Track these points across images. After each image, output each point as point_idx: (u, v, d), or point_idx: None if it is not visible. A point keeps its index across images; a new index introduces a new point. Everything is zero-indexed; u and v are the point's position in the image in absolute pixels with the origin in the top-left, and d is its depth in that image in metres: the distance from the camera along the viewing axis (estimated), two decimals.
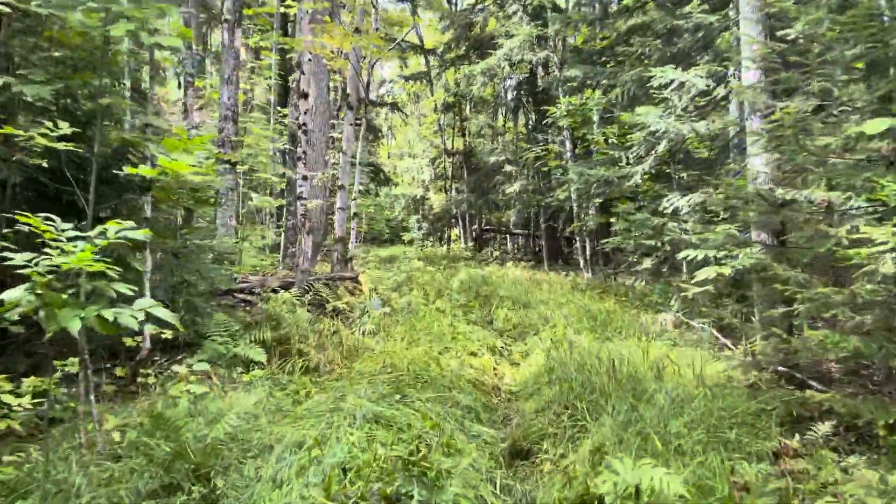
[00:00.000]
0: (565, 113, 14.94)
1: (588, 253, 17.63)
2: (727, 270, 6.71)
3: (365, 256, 18.30)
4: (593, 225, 17.08)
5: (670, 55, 7.87)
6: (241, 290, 9.19)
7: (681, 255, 7.16)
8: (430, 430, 4.41)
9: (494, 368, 7.43)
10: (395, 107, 25.43)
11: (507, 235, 31.92)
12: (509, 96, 22.86)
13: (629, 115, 7.72)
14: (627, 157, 8.82)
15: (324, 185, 12.92)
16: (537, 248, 27.38)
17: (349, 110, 10.27)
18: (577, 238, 18.10)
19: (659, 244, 7.73)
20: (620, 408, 4.68)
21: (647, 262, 8.64)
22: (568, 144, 17.46)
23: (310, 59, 10.23)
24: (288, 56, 16.62)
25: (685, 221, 8.11)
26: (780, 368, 5.75)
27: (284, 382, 5.95)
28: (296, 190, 9.15)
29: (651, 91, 7.80)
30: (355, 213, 10.71)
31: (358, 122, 10.89)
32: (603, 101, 14.23)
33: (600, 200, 14.27)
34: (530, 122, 22.10)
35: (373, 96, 26.27)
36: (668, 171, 9.44)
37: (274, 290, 9.32)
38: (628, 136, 8.32)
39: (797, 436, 4.20)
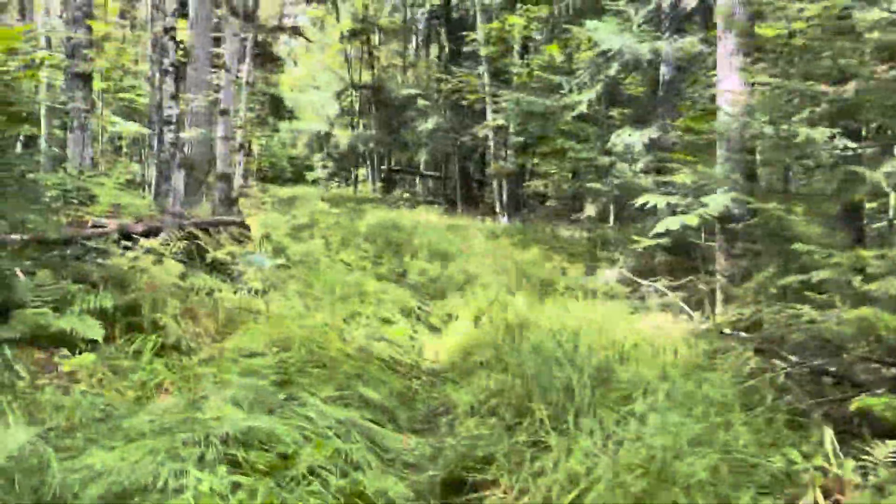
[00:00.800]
0: (484, 41, 13.33)
1: (505, 197, 16.37)
2: (694, 220, 5.50)
3: (261, 197, 16.29)
4: (512, 167, 15.80)
5: None
6: (91, 236, 7.24)
7: (639, 200, 5.90)
8: (327, 459, 2.94)
9: (412, 338, 6.00)
10: (296, 31, 22.86)
11: (418, 177, 30.27)
12: (421, 25, 20.85)
13: (578, 29, 6.28)
14: (570, 84, 7.44)
15: (208, 111, 10.84)
16: (448, 192, 25.99)
17: (233, 17, 8.27)
18: (494, 181, 16.78)
19: (606, 187, 6.45)
20: (592, 416, 3.36)
21: (591, 209, 7.37)
22: (487, 77, 15.89)
23: None
24: None
25: (636, 161, 6.84)
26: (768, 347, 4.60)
27: (126, 369, 4.28)
28: (163, 113, 7.18)
29: (602, 4, 6.43)
30: (241, 145, 8.81)
31: (244, 33, 8.88)
32: (529, 26, 12.75)
33: (522, 139, 12.94)
34: (444, 55, 20.29)
35: (273, 21, 23.54)
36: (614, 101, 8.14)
37: (133, 237, 7.43)
38: (574, 59, 6.92)
39: (843, 457, 3.00)
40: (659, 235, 5.70)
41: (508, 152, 16.01)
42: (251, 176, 24.56)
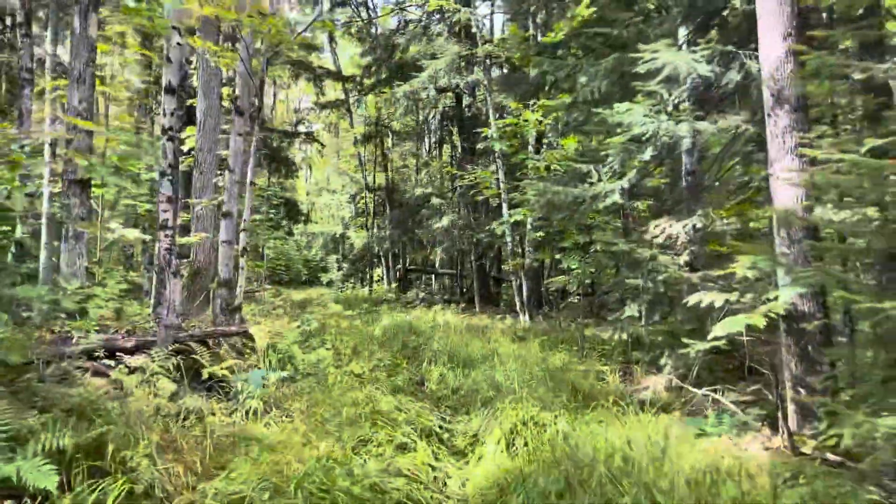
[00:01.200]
0: (498, 136, 12.96)
1: (525, 295, 15.56)
2: (760, 321, 4.64)
3: (272, 301, 15.61)
4: (531, 263, 15.10)
5: (655, 37, 5.99)
6: (71, 355, 6.48)
7: (692, 298, 5.07)
8: None
9: (433, 467, 5.04)
10: (309, 136, 22.97)
11: (433, 276, 29.69)
12: (434, 126, 20.86)
13: (608, 112, 5.68)
14: (598, 172, 6.80)
15: (214, 215, 10.34)
16: (465, 289, 25.27)
17: (238, 116, 7.84)
18: (514, 278, 16.03)
19: (649, 284, 5.64)
20: None
21: (633, 308, 6.53)
22: (501, 174, 15.49)
23: (195, 68, 7.84)
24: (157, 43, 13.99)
25: (677, 254, 6.07)
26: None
27: None
28: (158, 217, 6.59)
29: (632, 85, 5.87)
30: (245, 249, 8.17)
31: (249, 132, 8.44)
32: (545, 120, 12.39)
33: (541, 234, 12.29)
34: (458, 154, 20.13)
35: (286, 127, 23.75)
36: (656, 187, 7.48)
37: (123, 353, 6.66)
38: (602, 146, 6.30)
39: None
40: (717, 338, 4.83)
41: (527, 248, 15.35)
42: (262, 280, 24.06)
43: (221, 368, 6.79)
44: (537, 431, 5.11)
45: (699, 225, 5.67)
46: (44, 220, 9.34)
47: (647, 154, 5.68)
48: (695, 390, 5.89)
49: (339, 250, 31.85)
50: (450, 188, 20.51)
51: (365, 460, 4.70)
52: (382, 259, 29.06)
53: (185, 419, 5.48)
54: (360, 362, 7.93)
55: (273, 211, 17.57)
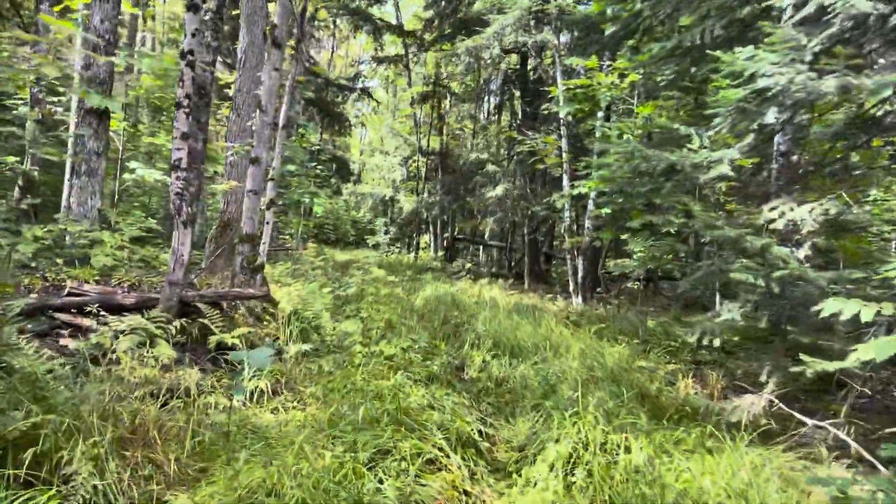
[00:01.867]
0: (565, 99, 11.55)
1: (580, 276, 14.25)
2: None
3: (311, 261, 14.70)
4: (590, 242, 13.76)
5: None
6: (66, 307, 5.58)
7: (826, 309, 3.77)
8: None
9: (466, 493, 3.93)
10: (365, 91, 21.84)
11: (482, 247, 28.51)
12: (493, 88, 19.42)
13: (727, 59, 4.33)
14: (699, 137, 5.43)
15: (248, 162, 9.36)
16: (512, 264, 24.03)
17: (275, 48, 6.72)
18: (569, 257, 14.72)
19: (761, 282, 4.33)
20: None
21: (733, 309, 5.22)
22: (565, 143, 14.09)
23: None
24: None
25: (796, 246, 4.73)
26: None
27: None
28: (171, 156, 5.57)
29: (756, 27, 4.52)
30: (272, 201, 7.13)
31: (284, 69, 7.33)
32: (622, 82, 10.94)
33: (607, 211, 10.92)
34: (517, 120, 18.67)
35: (342, 81, 22.66)
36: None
37: (123, 311, 5.73)
38: (708, 105, 4.94)
39: None
40: (865, 363, 3.55)
41: (587, 225, 13.99)
42: (307, 238, 23.31)
43: (232, 336, 5.80)
44: (605, 459, 3.93)
45: (833, 211, 4.32)
46: (68, 154, 8.50)
47: (771, 115, 4.35)
48: (808, 420, 4.59)
49: (388, 213, 30.90)
50: (506, 156, 19.16)
51: (381, 479, 3.61)
52: (430, 225, 27.99)
53: (174, 398, 4.50)
54: (393, 341, 6.84)
55: (322, 167, 16.59)
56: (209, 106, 8.83)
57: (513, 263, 24.13)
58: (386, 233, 30.55)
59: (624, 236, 10.49)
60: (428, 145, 26.35)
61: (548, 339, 7.94)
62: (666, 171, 5.09)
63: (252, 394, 4.99)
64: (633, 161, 5.46)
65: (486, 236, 27.84)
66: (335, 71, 25.78)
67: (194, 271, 7.72)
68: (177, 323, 5.68)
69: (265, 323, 6.66)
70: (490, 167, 17.11)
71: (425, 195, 22.13)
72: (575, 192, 10.41)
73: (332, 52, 22.63)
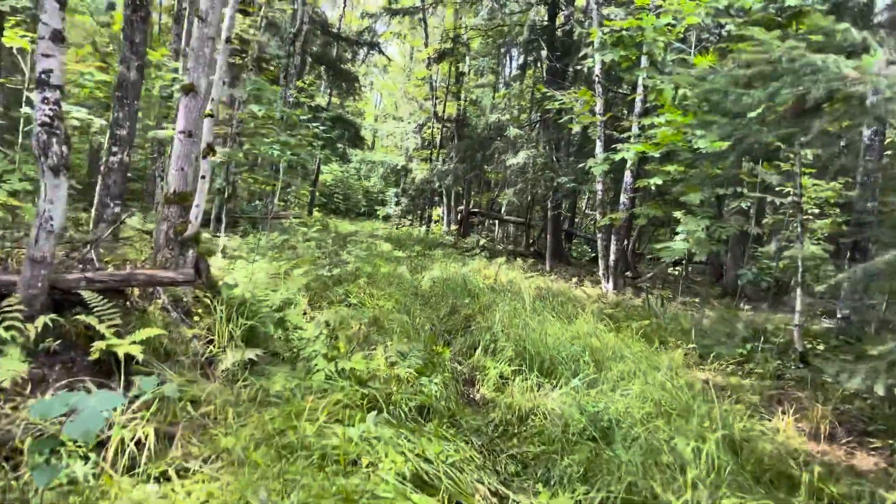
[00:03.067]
0: (602, 44, 9.31)
1: (612, 257, 12.16)
2: None
3: (306, 233, 12.71)
4: (626, 220, 11.64)
5: None
6: None
7: None
8: None
9: None
10: (374, 47, 19.61)
11: (498, 222, 26.38)
12: (517, 42, 17.06)
13: None
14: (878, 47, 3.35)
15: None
16: (531, 241, 21.93)
17: None
18: (599, 236, 12.61)
19: None
20: None
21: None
22: (600, 103, 11.88)
23: None
24: None
25: None
26: None
27: None
28: (37, 67, 3.54)
29: None
30: (210, 147, 5.07)
31: None
32: (679, 24, 8.75)
33: (654, 183, 8.80)
34: (544, 76, 16.32)
35: (351, 35, 20.40)
36: None
37: None
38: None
39: None
40: None
41: (623, 200, 11.86)
42: (307, 208, 21.32)
43: (132, 341, 3.83)
44: None
45: None
46: None
47: None
48: None
49: (400, 183, 28.81)
50: (529, 121, 16.92)
51: None
52: (444, 197, 25.91)
53: None
54: (377, 349, 4.82)
55: (324, 127, 14.54)
56: (147, 22, 6.74)
57: (531, 241, 22.04)
58: (397, 204, 28.49)
59: (678, 213, 8.38)
60: (444, 111, 24.14)
61: (587, 346, 5.88)
62: (832, 81, 2.97)
63: (122, 446, 3.01)
64: (732, 94, 3.34)
65: (502, 210, 25.71)
66: (349, 30, 23.52)
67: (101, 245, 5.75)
68: (43, 320, 3.71)
69: (196, 319, 4.67)
70: (512, 131, 14.89)
71: (439, 163, 20.00)
72: (618, 156, 8.27)
73: (344, 7, 20.39)
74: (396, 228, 24.44)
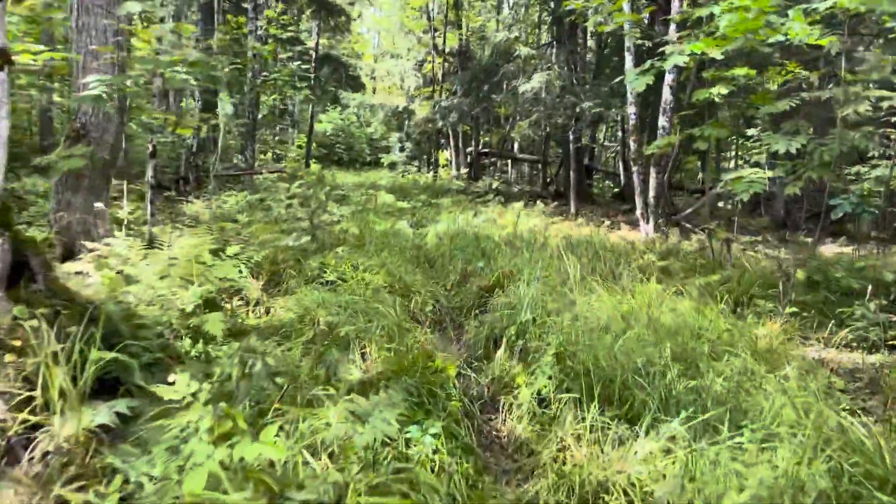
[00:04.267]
0: None
1: (651, 195, 10.01)
2: None
3: (288, 188, 10.62)
4: (667, 148, 9.44)
5: None
6: None
7: None
8: None
9: None
10: None
11: (510, 162, 24.07)
12: None
13: None
14: None
15: (105, 29, 5.20)
16: (548, 180, 19.69)
17: None
18: (636, 168, 10.43)
19: None
20: None
21: None
22: (627, 6, 9.51)
23: None
24: None
25: None
26: None
27: None
28: None
29: None
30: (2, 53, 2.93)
31: None
32: None
33: (708, 95, 6.57)
34: None
35: None
36: None
37: None
38: None
39: None
40: None
41: (663, 123, 9.63)
42: (305, 159, 19.15)
43: None
44: None
45: None
46: None
47: None
48: None
49: (403, 127, 26.42)
50: (538, 43, 14.44)
51: None
52: (451, 137, 23.59)
53: None
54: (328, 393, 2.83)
55: (305, 66, 12.31)
56: None
57: (549, 179, 19.81)
58: (401, 150, 26.22)
59: (754, 131, 6.19)
60: (444, 43, 21.58)
61: (661, 338, 3.82)
62: None
63: None
64: None
65: (515, 148, 23.37)
66: None
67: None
68: None
69: (10, 360, 2.69)
70: (523, 50, 12.47)
71: (442, 100, 17.65)
72: (668, 62, 6.02)
73: None
74: (402, 176, 22.27)
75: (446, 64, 21.43)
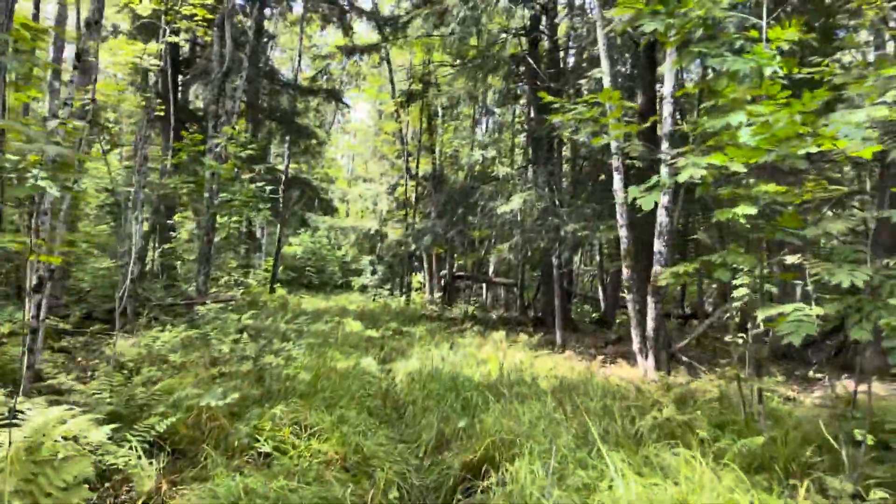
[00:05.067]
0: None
1: (650, 324, 8.83)
2: None
3: (238, 319, 9.17)
4: (657, 275, 8.36)
5: None
6: None
7: None
8: None
9: None
10: (332, 94, 16.60)
11: (485, 285, 23.00)
12: (499, 75, 14.04)
13: None
14: None
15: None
16: (526, 305, 18.55)
17: None
18: (630, 296, 9.30)
19: None
20: None
21: None
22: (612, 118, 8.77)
23: None
24: None
25: None
26: None
27: None
28: None
29: None
30: None
31: None
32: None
33: (751, 212, 5.56)
34: (529, 110, 13.16)
35: (302, 82, 17.37)
36: None
37: None
38: None
39: None
40: None
41: (659, 249, 8.64)
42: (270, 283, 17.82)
43: None
44: None
45: None
46: None
47: None
48: None
49: (376, 250, 25.48)
50: (512, 163, 13.79)
51: None
52: (425, 261, 22.62)
53: None
54: None
55: (270, 188, 11.33)
56: None
57: (526, 304, 18.66)
58: (373, 272, 25.11)
59: (791, 258, 5.13)
60: (417, 167, 21.13)
61: None
62: None
63: None
64: None
65: (490, 272, 22.41)
66: (286, 69, 20.42)
67: None
68: None
69: None
70: (501, 170, 11.68)
71: (416, 222, 16.75)
72: (683, 175, 5.01)
73: (299, 59, 17.34)
74: (374, 300, 20.97)
75: (419, 188, 20.86)
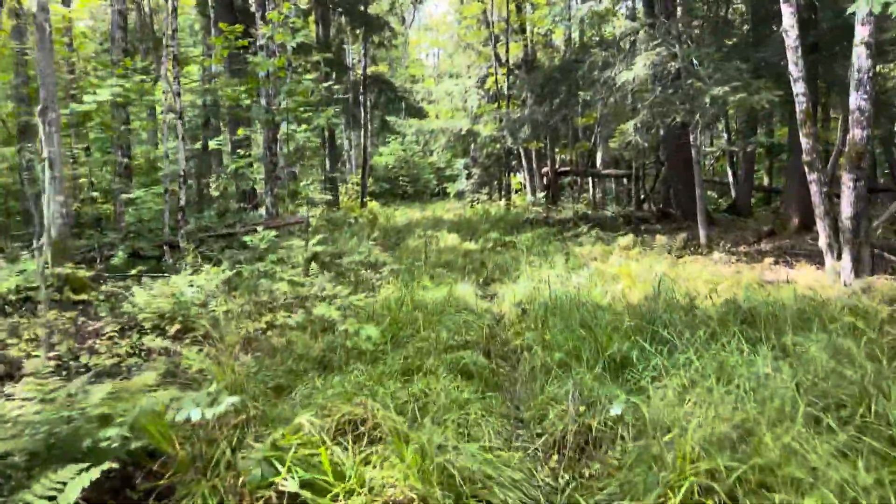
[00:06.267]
0: None
1: (847, 214, 6.22)
2: None
3: (303, 247, 7.46)
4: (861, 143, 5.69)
5: None
6: None
7: None
8: None
9: None
10: None
11: (592, 179, 20.21)
12: None
13: None
14: None
15: None
16: (642, 197, 15.87)
17: None
18: (814, 176, 6.65)
19: None
20: None
21: None
22: None
23: None
24: None
25: None
26: None
27: None
28: None
29: None
30: None
31: None
32: None
33: None
34: None
35: None
36: None
37: None
38: None
39: None
40: None
41: (860, 100, 5.91)
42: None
43: None
44: None
45: None
46: None
47: None
48: None
49: (469, 152, 23.16)
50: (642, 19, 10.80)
51: None
52: (523, 158, 20.17)
53: None
54: None
55: (336, 87, 9.28)
56: None
57: (643, 197, 15.97)
58: (468, 177, 22.95)
59: None
60: (507, 52, 18.31)
61: None
62: None
63: None
64: None
65: (597, 164, 19.61)
66: None
67: None
68: None
69: None
70: (623, 24, 8.84)
71: (510, 112, 14.27)
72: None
73: None
74: (471, 206, 18.96)
75: (511, 77, 18.11)
